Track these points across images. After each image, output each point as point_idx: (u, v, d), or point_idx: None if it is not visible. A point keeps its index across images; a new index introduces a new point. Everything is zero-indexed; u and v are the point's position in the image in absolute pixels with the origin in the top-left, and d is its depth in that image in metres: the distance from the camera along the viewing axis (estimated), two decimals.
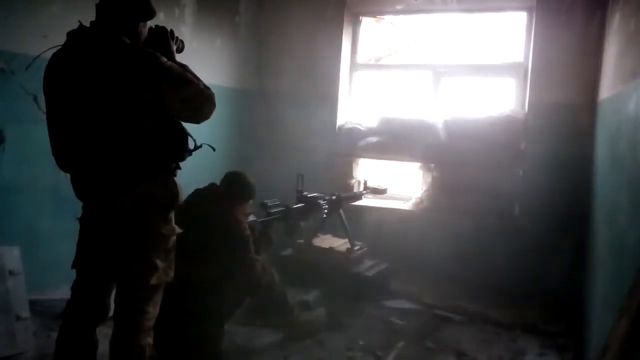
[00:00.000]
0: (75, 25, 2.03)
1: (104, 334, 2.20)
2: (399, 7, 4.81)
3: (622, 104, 2.65)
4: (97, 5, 2.03)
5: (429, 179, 4.52)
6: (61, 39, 2.03)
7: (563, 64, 3.99)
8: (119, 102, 1.94)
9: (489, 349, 3.28)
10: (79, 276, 2.17)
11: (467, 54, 4.78)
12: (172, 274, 2.16)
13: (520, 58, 4.42)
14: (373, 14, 5.00)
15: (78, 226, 2.16)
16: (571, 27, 3.94)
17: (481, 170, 4.23)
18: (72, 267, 2.17)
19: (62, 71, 1.99)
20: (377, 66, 5.19)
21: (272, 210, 3.22)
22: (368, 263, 4.09)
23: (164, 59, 2.00)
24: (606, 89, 3.33)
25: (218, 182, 3.04)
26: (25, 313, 2.86)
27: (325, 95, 4.83)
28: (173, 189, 2.11)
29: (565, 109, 3.98)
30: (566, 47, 3.97)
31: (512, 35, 4.57)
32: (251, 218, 3.10)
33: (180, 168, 2.16)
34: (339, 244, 4.13)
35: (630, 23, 2.78)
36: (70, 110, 1.99)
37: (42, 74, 2.05)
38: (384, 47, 5.29)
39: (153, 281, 2.07)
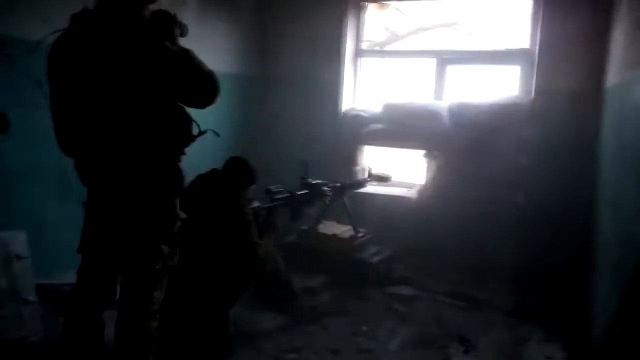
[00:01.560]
0: (79, 9, 2.02)
1: (110, 318, 2.22)
2: None
3: (629, 92, 2.63)
4: None
5: (434, 166, 4.50)
6: (65, 23, 2.01)
7: (570, 51, 3.96)
8: (123, 87, 1.93)
9: (492, 335, 3.30)
10: (85, 261, 2.19)
11: (473, 41, 4.74)
12: (177, 259, 2.17)
13: (526, 44, 4.38)
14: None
15: (84, 211, 2.17)
16: (578, 13, 3.90)
17: (486, 158, 4.21)
18: (78, 251, 2.18)
19: (67, 56, 1.98)
20: (382, 52, 5.16)
21: (277, 197, 3.22)
22: (372, 250, 4.11)
23: (168, 44, 1.99)
24: (613, 76, 3.31)
25: (220, 168, 3.05)
26: (32, 297, 2.89)
27: (330, 81, 4.81)
28: (177, 174, 2.11)
29: (572, 96, 3.96)
30: (573, 33, 3.93)
31: (518, 22, 4.52)
32: (255, 204, 3.11)
33: (184, 154, 2.16)
34: (343, 230, 4.14)
35: (638, 10, 2.75)
36: (75, 95, 1.98)
37: (46, 58, 2.04)
38: (388, 33, 5.25)
39: (158, 266, 2.09)
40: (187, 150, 2.16)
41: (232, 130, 4.44)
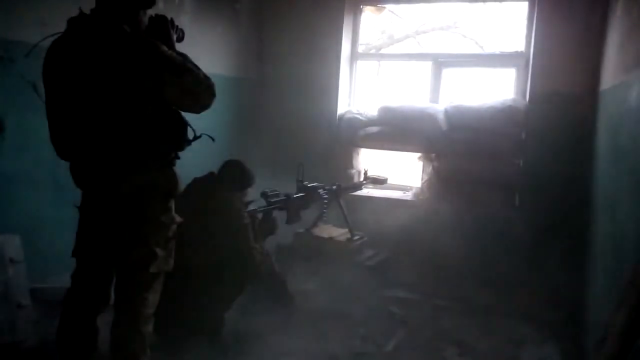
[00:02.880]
0: (75, 13, 2.02)
1: (104, 322, 2.21)
2: None
3: (624, 94, 2.63)
4: None
5: (430, 169, 4.51)
6: (61, 27, 2.01)
7: (565, 53, 3.96)
8: (119, 91, 1.93)
9: (488, 338, 3.30)
10: (79, 264, 2.18)
11: (469, 44, 4.76)
12: (172, 262, 2.17)
13: (521, 47, 4.39)
14: (374, 2, 4.95)
15: (78, 214, 2.16)
16: (573, 16, 3.91)
17: (482, 161, 4.22)
18: (72, 255, 2.17)
19: (62, 59, 1.98)
20: (378, 55, 5.17)
21: (273, 200, 3.22)
22: (368, 253, 4.10)
23: (165, 48, 1.99)
24: (608, 79, 3.32)
25: (217, 171, 3.04)
26: (27, 301, 2.87)
27: (326, 84, 4.80)
28: (172, 178, 2.11)
29: (567, 99, 3.96)
30: (568, 36, 3.94)
31: (513, 25, 4.54)
32: (251, 207, 3.10)
33: (179, 158, 2.16)
34: (339, 233, 4.13)
35: (633, 12, 2.76)
36: (70, 98, 1.98)
37: (42, 61, 2.04)
38: (385, 36, 5.27)
39: (152, 269, 2.08)
40: (183, 153, 2.16)
41: (228, 133, 4.43)
